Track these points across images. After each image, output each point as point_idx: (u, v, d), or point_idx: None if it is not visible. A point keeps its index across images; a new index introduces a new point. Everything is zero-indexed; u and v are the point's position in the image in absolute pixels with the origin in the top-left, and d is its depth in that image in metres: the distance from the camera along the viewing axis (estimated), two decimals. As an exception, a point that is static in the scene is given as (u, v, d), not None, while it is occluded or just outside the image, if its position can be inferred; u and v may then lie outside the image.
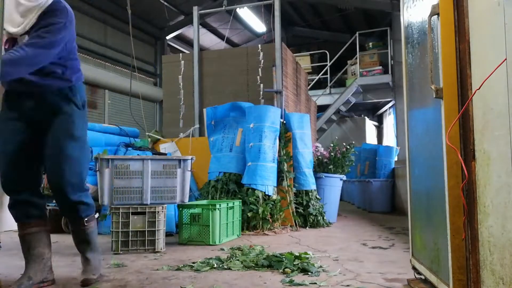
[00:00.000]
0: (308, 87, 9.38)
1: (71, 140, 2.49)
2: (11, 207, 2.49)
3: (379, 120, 14.99)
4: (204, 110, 6.29)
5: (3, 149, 2.46)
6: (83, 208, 2.56)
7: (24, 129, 2.49)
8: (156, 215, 3.78)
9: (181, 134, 6.30)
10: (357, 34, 10.83)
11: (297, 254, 3.18)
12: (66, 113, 2.50)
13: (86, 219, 2.60)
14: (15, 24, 2.36)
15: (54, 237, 4.63)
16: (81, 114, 2.58)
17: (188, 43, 13.23)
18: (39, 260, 2.48)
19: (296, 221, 5.31)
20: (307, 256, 3.23)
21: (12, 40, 2.41)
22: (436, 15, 1.89)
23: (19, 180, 2.47)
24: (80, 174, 2.53)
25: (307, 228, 5.42)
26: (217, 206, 4.16)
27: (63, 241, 4.40)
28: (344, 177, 6.53)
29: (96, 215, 2.75)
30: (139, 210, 3.76)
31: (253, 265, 3.02)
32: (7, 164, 2.45)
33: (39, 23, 2.36)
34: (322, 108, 10.87)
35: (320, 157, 6.57)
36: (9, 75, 2.21)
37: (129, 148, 5.51)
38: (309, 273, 2.78)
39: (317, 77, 11.72)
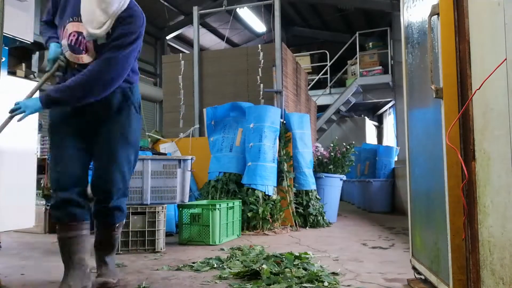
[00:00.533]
0: (308, 87, 9.38)
1: (126, 144, 2.41)
2: (54, 207, 2.32)
3: (379, 120, 14.98)
4: (204, 110, 6.29)
5: (58, 144, 2.38)
6: (118, 214, 2.48)
7: (79, 126, 2.41)
8: (156, 215, 3.78)
9: (181, 134, 6.31)
10: (357, 34, 10.83)
11: (297, 254, 3.18)
12: (124, 115, 2.42)
13: (117, 225, 2.51)
14: (98, 23, 2.22)
15: (54, 237, 4.64)
16: (138, 118, 2.50)
17: (188, 43, 13.23)
18: (79, 266, 2.29)
19: (296, 221, 5.31)
20: (307, 256, 3.23)
21: (78, 33, 2.31)
22: (436, 15, 1.89)
23: (69, 177, 2.33)
24: (128, 180, 2.47)
25: (307, 228, 5.42)
26: (217, 206, 4.16)
27: (63, 241, 4.40)
28: (344, 177, 6.53)
29: (124, 221, 2.65)
30: (139, 210, 3.76)
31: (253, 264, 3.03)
32: (60, 161, 2.35)
33: (117, 27, 2.26)
34: (322, 108, 10.87)
35: (320, 157, 6.56)
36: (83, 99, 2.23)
37: (129, 148, 5.51)
38: (309, 273, 2.77)
39: (317, 77, 11.71)
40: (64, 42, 2.34)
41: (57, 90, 2.23)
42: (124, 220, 2.60)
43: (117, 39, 2.25)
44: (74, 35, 2.31)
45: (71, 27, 2.32)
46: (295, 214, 5.39)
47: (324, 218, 5.70)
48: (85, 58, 2.32)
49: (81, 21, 2.28)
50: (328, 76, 11.64)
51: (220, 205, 4.22)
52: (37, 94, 2.41)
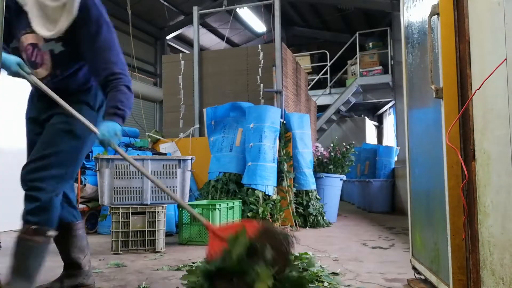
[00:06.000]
0: (308, 87, 9.38)
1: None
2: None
3: (379, 120, 14.99)
4: (204, 110, 6.30)
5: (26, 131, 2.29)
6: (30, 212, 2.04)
7: (38, 112, 2.30)
8: (156, 215, 3.78)
9: (181, 134, 6.31)
10: (357, 34, 10.83)
11: (297, 254, 3.18)
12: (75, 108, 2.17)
13: (31, 226, 2.04)
14: (48, 28, 2.06)
15: (54, 237, 4.64)
16: (90, 114, 2.28)
17: (188, 43, 13.23)
18: None
19: (296, 221, 5.31)
20: (307, 256, 3.22)
21: (33, 45, 2.13)
22: (436, 15, 1.89)
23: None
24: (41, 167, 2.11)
25: (307, 228, 5.42)
26: (217, 206, 4.16)
27: (63, 241, 4.39)
28: (344, 177, 6.53)
29: (51, 233, 2.08)
30: (139, 210, 3.76)
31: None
32: (28, 146, 2.31)
33: (81, 27, 2.06)
34: (322, 108, 10.88)
35: (320, 157, 6.57)
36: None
37: (129, 148, 5.51)
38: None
39: (317, 77, 11.72)
40: (24, 56, 2.15)
41: (122, 106, 2.10)
42: (48, 231, 2.07)
43: (92, 37, 2.08)
44: (29, 48, 2.13)
45: (25, 39, 2.13)
46: (295, 214, 5.39)
47: (324, 218, 5.70)
48: (40, 73, 2.16)
49: (34, 32, 2.08)
50: (328, 76, 11.65)
51: (220, 205, 4.22)
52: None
